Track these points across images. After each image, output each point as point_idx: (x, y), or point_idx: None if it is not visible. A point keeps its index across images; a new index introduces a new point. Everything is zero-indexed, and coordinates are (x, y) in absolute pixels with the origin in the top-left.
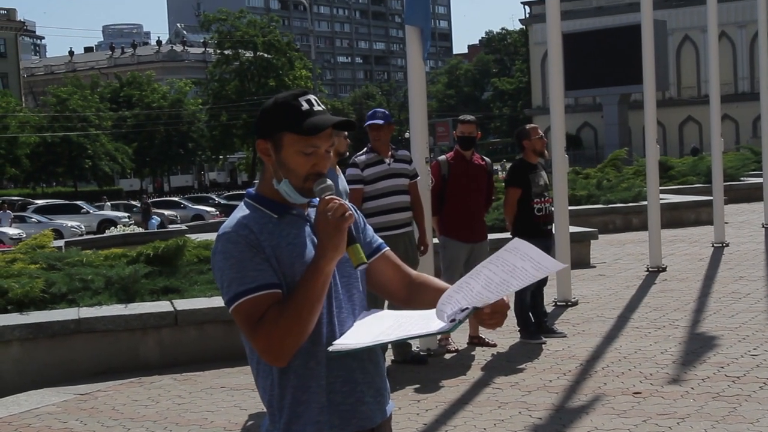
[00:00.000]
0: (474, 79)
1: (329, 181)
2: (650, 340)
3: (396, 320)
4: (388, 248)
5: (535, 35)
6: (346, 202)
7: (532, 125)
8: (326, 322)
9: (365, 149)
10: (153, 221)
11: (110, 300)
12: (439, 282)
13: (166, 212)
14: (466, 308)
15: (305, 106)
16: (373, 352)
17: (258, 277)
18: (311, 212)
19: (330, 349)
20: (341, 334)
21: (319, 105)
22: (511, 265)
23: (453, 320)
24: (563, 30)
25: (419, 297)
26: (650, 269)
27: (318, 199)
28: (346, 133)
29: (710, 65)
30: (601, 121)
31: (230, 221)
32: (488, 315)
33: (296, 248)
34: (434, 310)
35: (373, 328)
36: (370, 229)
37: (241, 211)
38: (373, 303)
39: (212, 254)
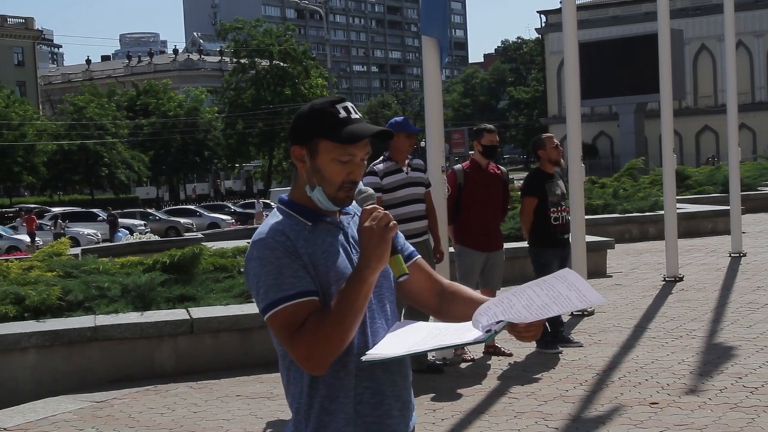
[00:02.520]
0: (490, 88)
1: (371, 190)
2: (667, 350)
3: (430, 332)
4: (420, 256)
5: (551, 44)
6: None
7: (548, 135)
8: (359, 332)
9: (382, 157)
10: (120, 234)
11: (126, 308)
12: (471, 292)
13: (182, 220)
14: (501, 320)
15: (342, 113)
16: (403, 365)
17: (297, 284)
18: (344, 220)
19: (363, 358)
20: (373, 344)
21: (356, 113)
22: (557, 292)
23: (488, 330)
24: (579, 39)
25: (451, 308)
26: (667, 279)
27: (354, 207)
28: None
29: (727, 74)
30: (617, 130)
31: (264, 227)
32: (524, 328)
33: (331, 256)
34: (470, 323)
35: (407, 339)
36: (401, 237)
37: (275, 217)
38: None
39: (247, 261)
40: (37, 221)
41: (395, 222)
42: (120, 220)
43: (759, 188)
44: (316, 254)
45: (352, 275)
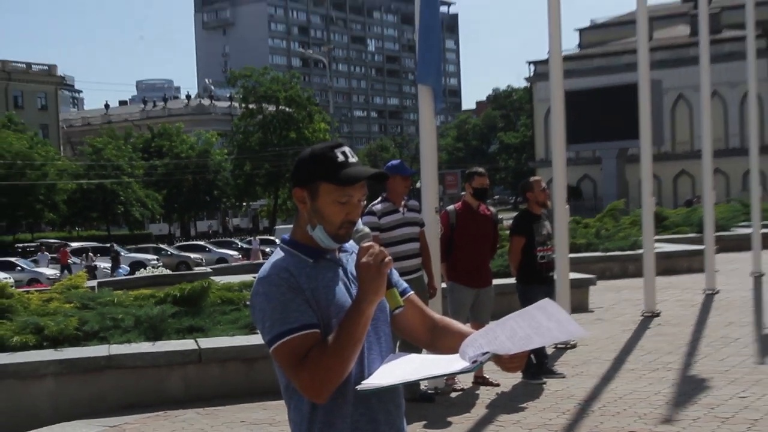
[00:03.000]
0: (481, 133)
1: (367, 229)
2: (645, 381)
3: (421, 363)
4: (413, 293)
5: (539, 92)
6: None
7: (536, 178)
8: (356, 363)
9: (380, 198)
10: (120, 270)
11: (139, 338)
12: (461, 326)
13: (192, 255)
14: (487, 352)
15: (341, 157)
16: (396, 394)
17: (300, 318)
18: (342, 257)
19: (358, 387)
20: (369, 374)
21: (353, 157)
22: (538, 323)
23: (474, 361)
24: (565, 88)
25: (442, 341)
26: (645, 314)
27: (349, 244)
28: None
29: (703, 122)
30: (600, 173)
31: (268, 265)
32: (509, 359)
33: (331, 291)
34: (458, 354)
35: (400, 369)
36: (395, 273)
37: (278, 255)
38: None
39: (253, 296)
40: (71, 255)
41: (390, 258)
42: (134, 254)
43: (732, 229)
44: (318, 289)
45: (350, 308)
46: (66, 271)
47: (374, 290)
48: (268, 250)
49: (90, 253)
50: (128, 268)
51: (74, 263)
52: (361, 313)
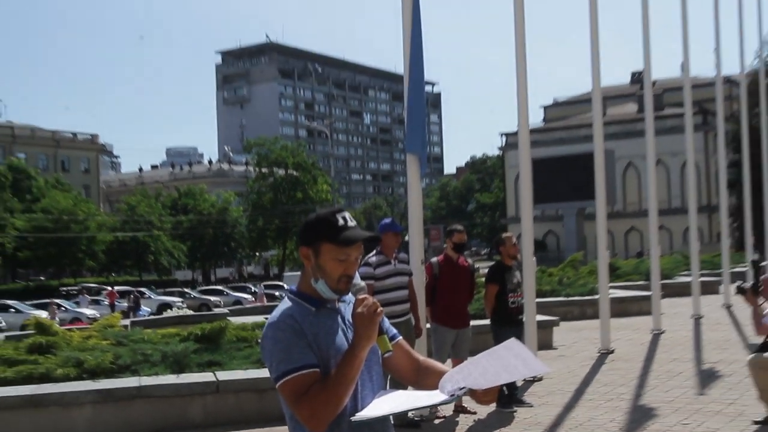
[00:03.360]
0: (461, 194)
1: (363, 283)
2: (601, 410)
3: (408, 397)
4: (401, 338)
5: (510, 160)
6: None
7: (507, 234)
8: (351, 397)
9: (375, 252)
10: (141, 312)
11: (165, 371)
12: (441, 366)
13: (212, 298)
14: (464, 387)
15: (341, 222)
16: (385, 424)
17: (302, 359)
18: (341, 306)
19: (352, 419)
20: (362, 407)
21: (352, 221)
22: (506, 361)
23: (452, 395)
24: (532, 156)
25: (425, 380)
26: (601, 351)
27: (349, 296)
28: None
29: (649, 186)
30: (562, 229)
31: (277, 312)
32: (482, 393)
33: (330, 336)
34: (438, 390)
35: (389, 403)
36: (386, 321)
37: (285, 304)
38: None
39: (263, 338)
40: (117, 296)
41: (382, 309)
42: (162, 297)
43: (675, 277)
44: (319, 334)
45: (347, 351)
46: (112, 310)
47: (367, 337)
48: (277, 294)
49: (133, 295)
50: (149, 309)
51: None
52: (355, 356)
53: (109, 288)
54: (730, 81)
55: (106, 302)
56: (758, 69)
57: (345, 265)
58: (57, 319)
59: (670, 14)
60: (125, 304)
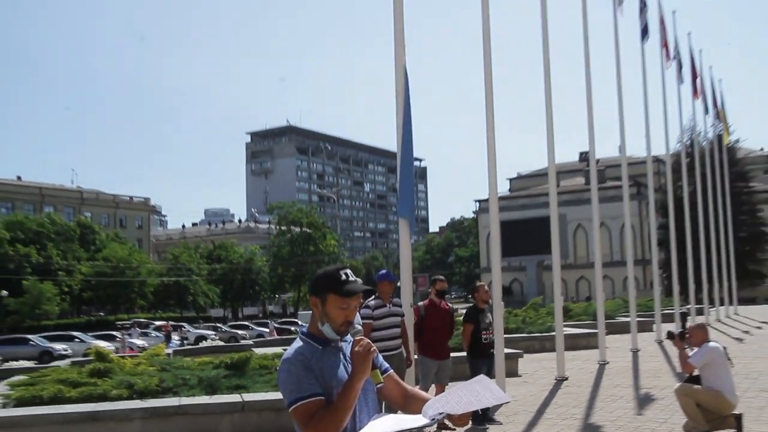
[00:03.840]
0: (443, 248)
1: (360, 327)
2: (558, 427)
3: (397, 420)
4: (392, 371)
5: (482, 221)
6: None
7: (481, 283)
8: (350, 420)
9: (374, 296)
10: (172, 344)
11: (200, 392)
12: (424, 395)
13: (240, 332)
14: (442, 412)
15: (344, 276)
16: None
17: (310, 389)
18: (343, 345)
19: None
20: (360, 428)
21: (352, 276)
22: (477, 392)
23: (433, 418)
24: (500, 219)
25: (411, 406)
26: (558, 378)
27: (349, 337)
28: None
29: (594, 243)
30: (525, 277)
31: (291, 350)
32: (458, 417)
33: (333, 370)
34: (421, 415)
35: (382, 424)
36: (380, 357)
37: (298, 343)
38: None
39: (279, 371)
40: (171, 329)
41: (375, 348)
42: (198, 330)
43: (617, 318)
44: (324, 369)
45: (346, 383)
46: (167, 340)
47: (362, 371)
48: (292, 329)
49: (182, 328)
50: (179, 341)
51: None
52: (352, 387)
53: (165, 322)
54: (658, 160)
55: (154, 334)
56: (680, 151)
57: (346, 312)
58: (126, 344)
59: (611, 107)
60: (180, 335)
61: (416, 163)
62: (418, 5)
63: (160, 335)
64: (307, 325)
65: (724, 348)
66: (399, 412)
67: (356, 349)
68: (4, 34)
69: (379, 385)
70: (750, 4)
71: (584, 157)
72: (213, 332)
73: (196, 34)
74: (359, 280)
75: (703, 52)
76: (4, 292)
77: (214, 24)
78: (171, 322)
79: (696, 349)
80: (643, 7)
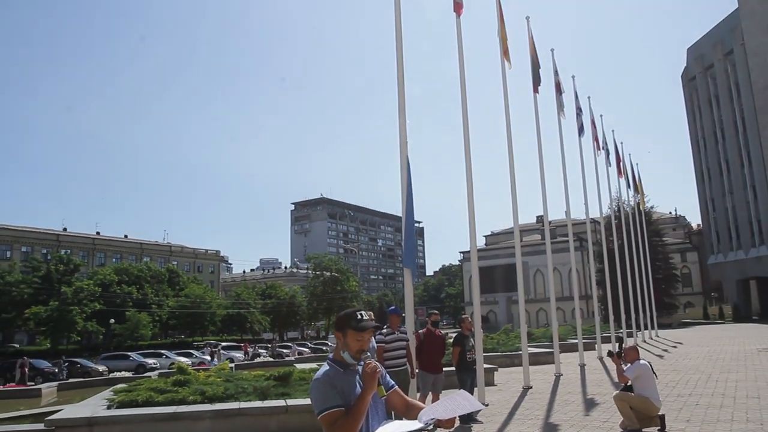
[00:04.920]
0: (436, 287)
1: (369, 353)
2: (526, 425)
3: (400, 425)
4: (396, 386)
5: (466, 267)
6: (377, 363)
7: (465, 315)
8: (364, 425)
9: (386, 326)
10: (213, 362)
11: (255, 398)
12: (420, 404)
13: (284, 350)
14: (433, 417)
15: (359, 316)
16: None
17: (334, 401)
18: (359, 368)
19: None
20: (372, 431)
21: (366, 316)
22: (459, 401)
23: (427, 423)
24: (479, 265)
25: (411, 414)
26: (524, 387)
27: (363, 362)
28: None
29: (549, 284)
30: (498, 309)
31: (320, 372)
32: (446, 421)
33: (351, 387)
34: (417, 420)
35: (389, 428)
36: (387, 375)
37: (325, 367)
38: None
39: (311, 388)
40: (249, 347)
41: (381, 368)
42: (253, 350)
43: (568, 339)
44: (345, 387)
45: (358, 396)
46: (246, 356)
47: (370, 387)
48: (324, 347)
49: (248, 348)
50: (227, 355)
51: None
52: (363, 399)
53: (244, 344)
54: (594, 221)
55: (222, 352)
56: (610, 215)
57: (361, 343)
58: (216, 359)
59: (559, 183)
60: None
61: (416, 224)
62: (421, 109)
63: (225, 353)
64: (333, 352)
65: (650, 363)
66: (403, 418)
67: (366, 369)
68: (117, 133)
69: (382, 398)
70: (660, 108)
71: (540, 219)
72: (264, 351)
73: (266, 133)
74: (372, 320)
75: (624, 144)
76: (112, 320)
77: (281, 124)
78: (209, 342)
79: (629, 365)
80: (579, 112)
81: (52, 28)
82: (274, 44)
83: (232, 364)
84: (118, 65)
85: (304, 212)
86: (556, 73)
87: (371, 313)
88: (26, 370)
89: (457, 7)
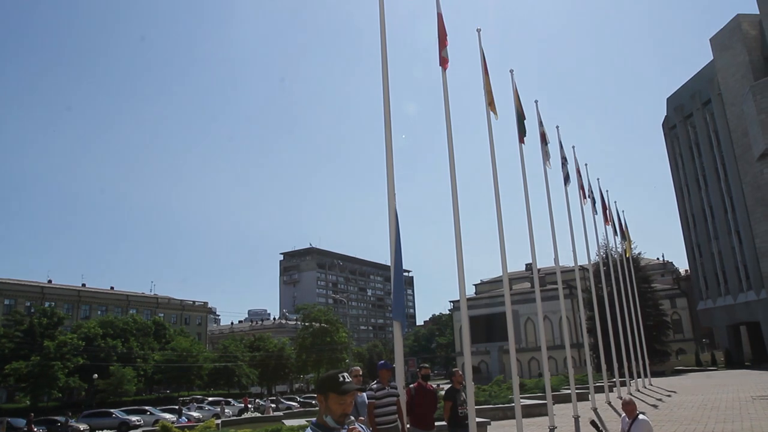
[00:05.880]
0: (426, 337)
1: (352, 417)
2: None
3: None
4: None
5: (456, 316)
6: (359, 425)
7: (456, 369)
8: None
9: (376, 381)
10: (195, 415)
11: None
12: None
13: (272, 405)
14: None
15: (341, 379)
16: None
17: None
18: (342, 430)
19: None
20: None
21: (348, 378)
22: None
23: None
24: (468, 315)
25: None
26: None
27: (347, 426)
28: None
29: (540, 332)
30: (490, 359)
31: None
32: None
33: None
34: None
35: None
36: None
37: (309, 430)
38: None
39: None
40: (248, 401)
41: (361, 430)
42: (240, 404)
43: (561, 389)
44: None
45: None
46: (245, 410)
47: None
48: (314, 402)
49: (191, 404)
50: (199, 414)
51: (205, 409)
52: None
53: (245, 397)
54: (583, 268)
55: (207, 408)
56: (598, 262)
57: (343, 406)
58: (226, 413)
59: (547, 232)
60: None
61: (405, 274)
62: (410, 158)
63: (212, 408)
64: (317, 416)
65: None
66: None
67: None
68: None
69: None
70: (644, 156)
71: (529, 267)
72: (251, 406)
73: (255, 183)
74: (359, 375)
75: (609, 192)
76: (95, 376)
77: (269, 174)
78: (223, 399)
79: (629, 420)
80: (564, 162)
81: (46, 86)
82: (266, 96)
83: (218, 421)
84: (106, 119)
85: (293, 262)
86: (540, 123)
87: (358, 369)
88: (4, 430)
89: (443, 62)
